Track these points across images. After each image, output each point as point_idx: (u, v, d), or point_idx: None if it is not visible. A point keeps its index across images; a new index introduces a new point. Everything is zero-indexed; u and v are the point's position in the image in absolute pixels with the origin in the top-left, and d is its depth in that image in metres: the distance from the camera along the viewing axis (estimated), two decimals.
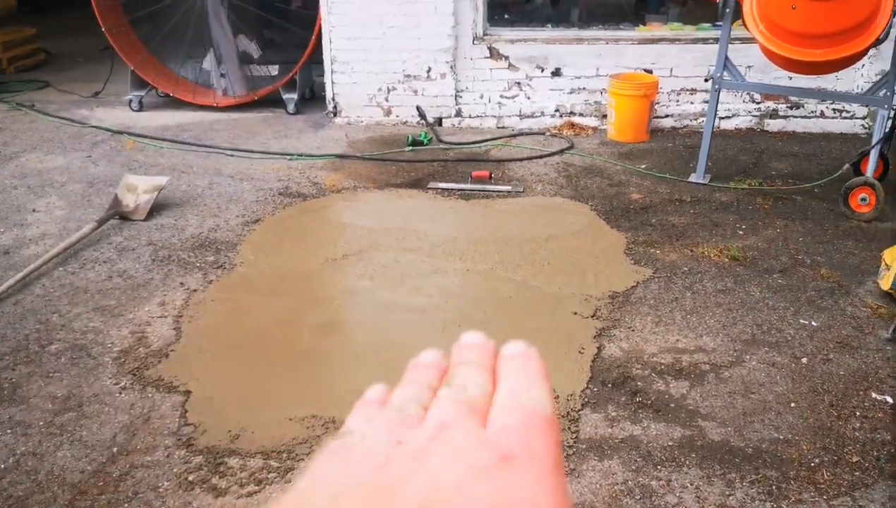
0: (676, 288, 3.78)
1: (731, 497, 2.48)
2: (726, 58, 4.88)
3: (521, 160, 5.72)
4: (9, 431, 2.80)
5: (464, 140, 6.19)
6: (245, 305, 3.66)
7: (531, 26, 6.94)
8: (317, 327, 3.44)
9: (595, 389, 3.00)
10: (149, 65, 7.11)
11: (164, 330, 3.43)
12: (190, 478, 2.54)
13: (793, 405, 2.91)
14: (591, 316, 3.50)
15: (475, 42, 6.49)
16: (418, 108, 6.54)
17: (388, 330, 3.42)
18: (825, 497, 2.48)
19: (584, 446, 2.70)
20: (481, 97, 6.60)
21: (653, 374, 3.10)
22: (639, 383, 3.04)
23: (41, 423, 2.83)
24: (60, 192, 5.16)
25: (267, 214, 4.74)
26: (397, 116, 6.66)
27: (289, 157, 5.79)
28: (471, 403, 0.35)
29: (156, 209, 4.73)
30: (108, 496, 2.49)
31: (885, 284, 3.62)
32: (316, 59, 6.70)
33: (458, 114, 6.61)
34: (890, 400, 2.94)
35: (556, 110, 6.55)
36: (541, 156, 5.78)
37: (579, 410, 2.87)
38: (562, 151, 5.87)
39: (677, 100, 6.44)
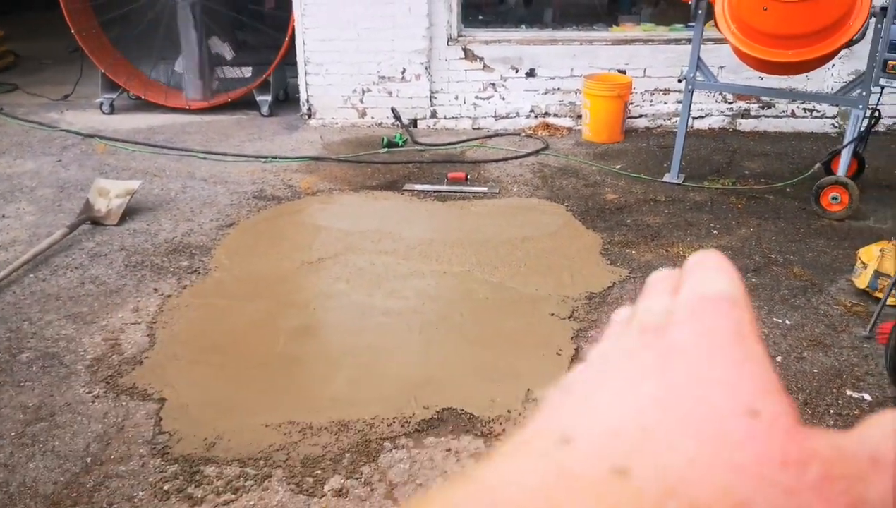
0: None
1: None
2: (699, 58, 4.92)
3: (496, 161, 5.72)
4: None
5: (439, 141, 6.18)
6: (220, 310, 3.62)
7: (505, 27, 6.96)
8: (293, 331, 3.41)
9: None
10: (120, 67, 7.02)
11: (138, 337, 3.39)
12: (165, 488, 2.51)
13: None
14: (569, 317, 3.51)
15: (450, 43, 6.49)
16: (393, 110, 6.52)
17: (365, 334, 3.39)
18: None
19: None
20: (456, 98, 6.59)
21: None
22: None
23: (12, 434, 2.78)
24: (30, 197, 5.08)
25: (241, 218, 4.70)
26: (372, 118, 6.64)
27: (263, 160, 5.75)
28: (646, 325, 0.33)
29: (128, 213, 4.67)
30: (81, 507, 2.45)
31: (862, 282, 3.66)
32: (290, 60, 6.66)
33: (434, 115, 6.61)
34: (868, 397, 2.97)
35: (531, 111, 6.56)
36: (516, 157, 5.78)
37: None
38: (537, 152, 5.89)
39: (651, 101, 6.48)
